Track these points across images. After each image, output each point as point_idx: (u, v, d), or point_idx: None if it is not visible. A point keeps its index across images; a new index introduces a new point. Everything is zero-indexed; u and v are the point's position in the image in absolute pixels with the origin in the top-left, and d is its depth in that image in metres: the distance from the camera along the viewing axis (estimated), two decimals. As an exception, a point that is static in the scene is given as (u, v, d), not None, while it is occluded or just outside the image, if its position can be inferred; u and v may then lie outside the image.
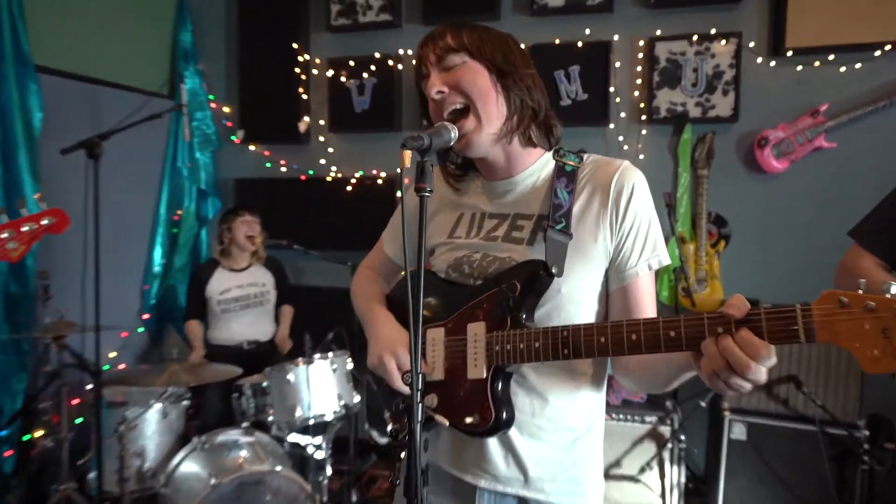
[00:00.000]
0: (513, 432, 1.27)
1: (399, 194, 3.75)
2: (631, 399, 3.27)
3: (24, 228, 1.88)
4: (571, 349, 1.13)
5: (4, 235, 1.83)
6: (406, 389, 1.29)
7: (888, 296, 0.85)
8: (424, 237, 1.05)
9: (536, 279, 1.21)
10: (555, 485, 1.29)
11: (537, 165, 1.34)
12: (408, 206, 1.54)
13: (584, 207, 1.27)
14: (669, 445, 3.10)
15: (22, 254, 1.87)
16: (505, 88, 1.27)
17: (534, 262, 1.23)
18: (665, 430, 3.13)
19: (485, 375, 1.23)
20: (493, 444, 1.29)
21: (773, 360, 0.93)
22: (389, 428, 1.43)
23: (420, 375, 0.98)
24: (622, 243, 1.25)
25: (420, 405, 0.97)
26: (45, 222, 1.91)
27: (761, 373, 0.94)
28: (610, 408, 3.21)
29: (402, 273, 1.63)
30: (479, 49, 1.27)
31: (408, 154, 1.04)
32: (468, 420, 1.24)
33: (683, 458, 3.14)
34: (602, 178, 1.27)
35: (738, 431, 3.08)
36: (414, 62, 1.33)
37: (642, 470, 3.11)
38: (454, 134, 1.17)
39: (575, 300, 1.26)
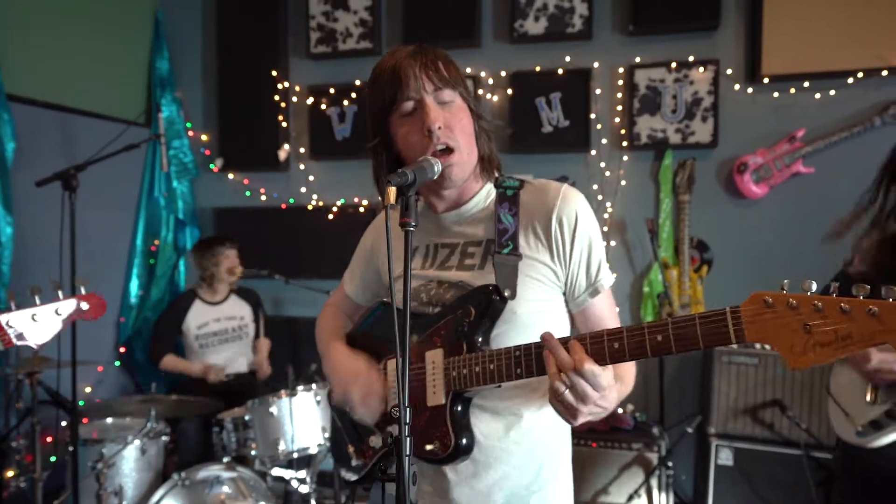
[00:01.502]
0: (479, 458, 1.27)
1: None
2: (619, 426, 3.25)
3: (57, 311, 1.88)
4: (524, 368, 1.16)
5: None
6: (368, 420, 1.36)
7: (809, 294, 0.91)
8: (410, 272, 1.05)
9: (490, 304, 1.24)
10: (534, 497, 1.31)
11: (482, 194, 1.38)
12: (364, 242, 1.61)
13: (527, 233, 1.30)
14: (657, 472, 3.09)
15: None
16: (479, 129, 1.33)
17: (485, 287, 1.25)
18: (652, 457, 3.11)
19: (444, 401, 1.24)
20: (454, 473, 1.30)
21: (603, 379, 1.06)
22: (354, 463, 1.43)
23: (407, 409, 0.97)
24: (573, 272, 1.30)
25: (409, 439, 0.96)
26: (81, 307, 1.90)
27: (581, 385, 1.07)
28: (597, 434, 3.19)
29: (367, 309, 1.67)
30: (465, 89, 1.33)
31: (392, 190, 1.03)
32: (428, 447, 1.24)
33: (671, 485, 3.12)
34: (542, 205, 1.30)
35: (725, 457, 3.07)
36: (387, 72, 1.30)
37: (630, 498, 3.09)
38: (437, 168, 1.18)
39: (530, 322, 1.27)
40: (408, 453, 0.96)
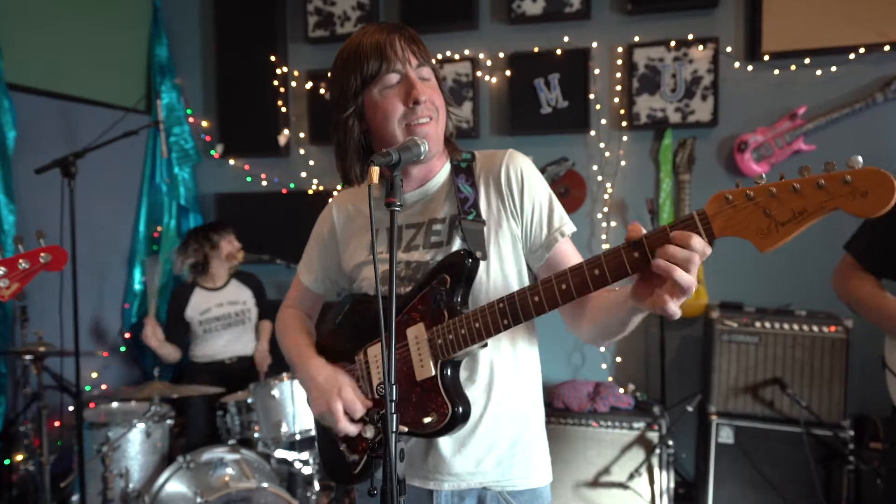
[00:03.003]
0: (467, 427, 1.30)
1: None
2: (618, 406, 3.27)
3: (21, 265, 1.81)
4: (510, 317, 1.19)
5: None
6: (352, 430, 1.34)
7: (763, 183, 1.00)
8: (396, 252, 1.06)
9: (463, 267, 1.26)
10: (511, 469, 1.36)
11: (443, 172, 1.42)
12: (320, 229, 1.58)
13: (487, 198, 1.37)
14: (658, 451, 3.10)
15: (15, 292, 1.78)
16: (446, 105, 1.39)
17: (456, 252, 1.29)
18: (653, 436, 3.13)
19: (433, 372, 1.26)
20: (445, 444, 1.34)
21: (707, 248, 1.02)
22: (350, 459, 1.42)
23: (394, 386, 0.99)
24: (529, 226, 1.35)
25: (395, 415, 0.97)
26: (42, 259, 1.84)
27: (697, 262, 1.02)
28: (598, 415, 3.21)
29: (325, 301, 1.68)
30: (434, 66, 1.39)
31: (375, 170, 1.05)
32: (426, 420, 1.26)
33: (672, 464, 3.14)
34: (492, 169, 1.37)
35: (726, 435, 3.09)
36: (368, 46, 1.33)
37: (631, 476, 3.11)
38: (424, 149, 1.19)
39: (503, 283, 1.34)
40: (394, 430, 0.98)
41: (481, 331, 1.21)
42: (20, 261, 1.77)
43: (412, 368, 1.29)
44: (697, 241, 1.01)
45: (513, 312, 1.18)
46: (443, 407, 1.25)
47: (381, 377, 1.34)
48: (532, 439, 1.40)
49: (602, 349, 3.71)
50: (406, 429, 1.28)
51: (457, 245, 1.33)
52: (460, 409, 1.25)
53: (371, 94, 1.33)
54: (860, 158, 0.93)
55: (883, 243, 1.81)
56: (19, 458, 3.05)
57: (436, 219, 1.38)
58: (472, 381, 1.34)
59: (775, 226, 0.99)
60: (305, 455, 3.01)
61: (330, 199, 1.61)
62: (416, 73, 1.32)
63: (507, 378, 1.36)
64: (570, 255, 1.36)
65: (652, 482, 3.12)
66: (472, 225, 1.32)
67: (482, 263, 1.30)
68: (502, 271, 1.34)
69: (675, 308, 1.05)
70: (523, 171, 1.35)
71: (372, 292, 1.42)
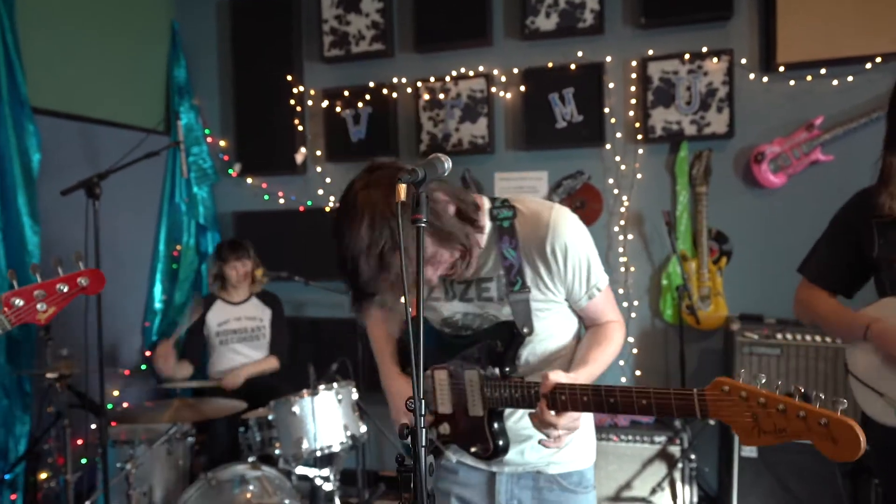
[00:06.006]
0: (524, 431, 1.54)
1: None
2: (639, 420, 3.25)
3: (59, 288, 1.77)
4: (549, 404, 1.38)
5: (36, 294, 1.75)
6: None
7: (758, 388, 1.12)
8: (422, 268, 1.08)
9: (513, 339, 1.50)
10: (560, 454, 1.58)
11: (484, 236, 1.51)
12: None
13: (531, 265, 1.50)
14: (680, 465, 3.08)
15: (51, 316, 1.76)
16: (451, 237, 1.41)
17: (507, 324, 1.50)
18: (675, 450, 3.11)
19: (481, 414, 1.51)
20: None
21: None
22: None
23: (422, 402, 1.01)
24: (570, 286, 1.52)
25: (423, 430, 1.00)
26: (81, 283, 1.81)
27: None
28: (618, 429, 3.19)
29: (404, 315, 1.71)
30: (431, 225, 1.40)
31: (402, 187, 1.06)
32: (473, 449, 1.56)
33: (695, 478, 3.11)
34: (536, 240, 1.48)
35: (749, 448, 3.05)
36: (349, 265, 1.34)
37: (653, 491, 3.08)
38: (448, 165, 1.21)
39: (547, 338, 1.56)
40: (423, 444, 1.00)
41: (519, 401, 1.45)
42: (58, 284, 1.76)
43: (466, 405, 1.53)
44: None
45: (552, 402, 1.37)
46: (486, 443, 1.52)
47: (441, 399, 1.58)
48: (579, 432, 1.53)
49: (621, 363, 3.69)
50: (454, 458, 1.62)
51: (506, 313, 1.51)
52: (501, 445, 1.51)
53: None
54: (845, 403, 1.02)
55: (831, 261, 1.91)
56: (44, 476, 3.08)
57: (482, 278, 1.53)
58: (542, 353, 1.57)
59: (758, 432, 1.12)
60: (326, 471, 3.01)
61: None
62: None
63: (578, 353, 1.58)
64: (603, 306, 1.58)
65: (674, 497, 3.09)
66: (518, 296, 1.49)
67: (531, 320, 1.50)
68: (546, 331, 1.55)
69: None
70: (567, 244, 1.47)
71: (437, 327, 1.62)
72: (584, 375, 1.45)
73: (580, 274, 1.50)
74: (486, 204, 1.52)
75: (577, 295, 1.53)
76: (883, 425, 1.73)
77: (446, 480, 1.67)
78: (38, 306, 1.75)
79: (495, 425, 1.51)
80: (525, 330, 1.48)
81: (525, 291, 1.49)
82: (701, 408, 1.20)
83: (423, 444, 0.99)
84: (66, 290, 1.78)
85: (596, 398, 1.34)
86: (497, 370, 1.49)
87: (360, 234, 1.29)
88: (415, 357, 1.03)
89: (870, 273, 1.85)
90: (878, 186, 1.80)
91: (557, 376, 1.37)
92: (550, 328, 1.56)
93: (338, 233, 1.36)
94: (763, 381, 1.12)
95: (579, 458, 1.61)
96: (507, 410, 1.54)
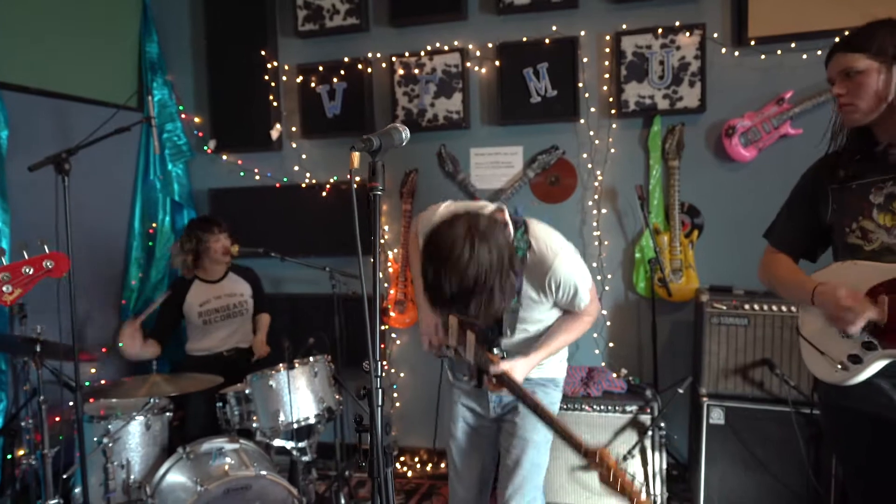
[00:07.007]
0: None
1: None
2: (611, 390, 3.32)
3: (24, 271, 1.86)
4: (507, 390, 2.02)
5: (1, 276, 1.81)
6: (426, 347, 2.26)
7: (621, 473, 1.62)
8: (378, 236, 1.13)
9: (499, 333, 2.08)
10: (536, 370, 2.14)
11: None
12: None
13: (531, 286, 2.01)
14: (650, 433, 3.15)
15: (17, 297, 1.85)
16: (498, 301, 1.87)
17: (499, 322, 2.04)
18: (645, 419, 3.18)
19: (473, 362, 2.04)
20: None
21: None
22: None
23: (378, 363, 1.07)
24: (558, 302, 2.08)
25: (380, 390, 1.06)
26: (46, 266, 1.89)
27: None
28: (591, 399, 3.25)
29: None
30: (472, 302, 1.82)
31: (356, 155, 1.09)
32: (464, 377, 2.24)
33: (665, 445, 3.19)
34: (538, 275, 1.98)
35: (717, 416, 3.13)
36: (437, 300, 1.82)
37: (624, 458, 3.16)
38: (405, 135, 1.28)
39: (531, 326, 2.15)
40: (380, 404, 1.04)
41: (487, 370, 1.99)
42: (24, 267, 1.83)
43: (465, 349, 2.06)
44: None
45: (497, 381, 1.97)
46: (474, 378, 2.08)
47: (451, 335, 2.12)
48: (553, 356, 2.19)
49: (595, 335, 3.76)
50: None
51: (501, 314, 2.01)
52: (482, 383, 2.04)
53: None
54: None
55: (792, 227, 1.97)
56: (21, 452, 3.09)
57: None
58: (528, 334, 2.16)
59: (607, 484, 1.63)
60: (303, 444, 3.05)
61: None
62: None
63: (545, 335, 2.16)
64: (580, 309, 2.10)
65: (645, 464, 3.17)
66: (512, 308, 1.99)
67: (520, 314, 2.06)
68: (534, 320, 2.13)
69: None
70: (561, 281, 1.98)
71: None
72: (538, 357, 2.07)
73: (567, 298, 2.03)
74: (511, 230, 1.92)
75: (562, 307, 2.11)
76: (826, 383, 1.80)
77: (454, 389, 2.32)
78: (4, 288, 1.80)
79: (480, 372, 2.02)
80: (508, 332, 2.05)
81: (517, 306, 2.00)
82: (584, 454, 1.70)
83: (380, 403, 1.02)
84: (31, 272, 1.84)
85: (521, 397, 1.93)
86: (485, 346, 2.02)
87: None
88: (371, 335, 1.06)
89: (829, 238, 1.90)
90: (834, 153, 1.85)
91: (507, 365, 1.94)
92: (536, 324, 2.13)
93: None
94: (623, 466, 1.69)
95: (552, 370, 2.24)
96: (503, 340, 2.10)
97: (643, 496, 1.55)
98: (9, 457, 3.14)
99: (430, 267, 1.71)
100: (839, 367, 1.72)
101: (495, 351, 2.02)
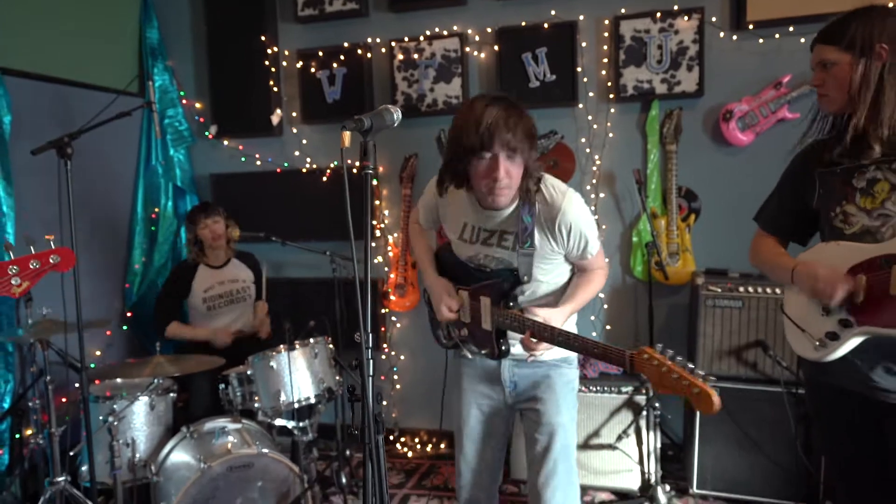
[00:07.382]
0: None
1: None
2: (607, 371, 3.36)
3: (32, 265, 1.94)
4: (537, 335, 1.92)
5: (11, 271, 1.91)
6: (448, 316, 2.15)
7: (665, 358, 1.62)
8: (370, 209, 1.18)
9: (515, 282, 2.01)
10: (551, 351, 2.07)
11: (513, 204, 2.00)
12: (428, 193, 2.26)
13: (541, 232, 2.00)
14: (645, 413, 3.20)
15: (25, 290, 1.93)
16: (526, 175, 1.96)
17: (514, 270, 2.01)
18: (641, 400, 3.23)
19: (490, 329, 2.04)
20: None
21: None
22: (444, 340, 2.32)
23: (369, 335, 1.11)
24: (569, 251, 2.05)
25: (370, 361, 1.10)
26: (52, 260, 1.97)
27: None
28: (587, 381, 3.30)
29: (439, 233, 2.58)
30: (527, 147, 1.87)
31: (347, 134, 1.13)
32: (483, 351, 2.13)
33: (659, 425, 3.24)
34: (550, 215, 1.98)
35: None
36: (479, 128, 1.80)
37: (619, 438, 3.21)
38: (397, 116, 1.32)
39: (545, 282, 2.12)
40: (370, 374, 1.08)
41: (516, 328, 1.94)
42: (32, 261, 1.94)
43: (480, 320, 2.06)
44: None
45: (537, 331, 1.90)
46: (492, 349, 2.06)
47: (463, 310, 2.12)
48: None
49: (592, 318, 3.80)
50: (469, 355, 2.22)
51: (514, 261, 2.01)
52: (504, 350, 2.05)
53: (471, 159, 1.87)
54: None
55: (780, 210, 2.01)
56: (29, 432, 3.16)
57: (506, 231, 2.04)
58: (540, 293, 2.14)
59: (661, 387, 1.63)
60: (304, 423, 3.11)
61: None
62: (505, 155, 1.82)
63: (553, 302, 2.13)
64: (591, 263, 2.10)
65: (640, 443, 3.23)
66: (525, 252, 1.98)
67: (534, 265, 2.01)
68: (541, 279, 2.09)
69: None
70: (571, 224, 1.97)
71: (463, 259, 2.18)
72: (569, 308, 2.03)
73: (578, 245, 2.02)
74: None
75: (573, 257, 2.07)
76: (808, 360, 1.85)
77: (465, 366, 2.27)
78: (13, 281, 1.90)
79: (500, 338, 2.02)
80: (525, 278, 1.98)
81: (531, 249, 1.98)
82: (630, 364, 1.67)
83: (371, 374, 1.06)
84: (38, 266, 1.94)
85: (564, 339, 1.83)
86: (502, 302, 1.99)
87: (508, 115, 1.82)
88: (362, 309, 1.10)
89: (817, 222, 1.93)
90: (822, 139, 1.88)
91: (546, 313, 1.92)
92: (548, 275, 2.10)
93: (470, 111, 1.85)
94: (670, 354, 1.63)
95: (563, 350, 2.05)
96: (520, 295, 2.06)
97: (699, 380, 1.53)
98: (17, 436, 3.21)
99: (479, 102, 1.86)
100: (817, 343, 1.77)
101: (512, 306, 1.99)
